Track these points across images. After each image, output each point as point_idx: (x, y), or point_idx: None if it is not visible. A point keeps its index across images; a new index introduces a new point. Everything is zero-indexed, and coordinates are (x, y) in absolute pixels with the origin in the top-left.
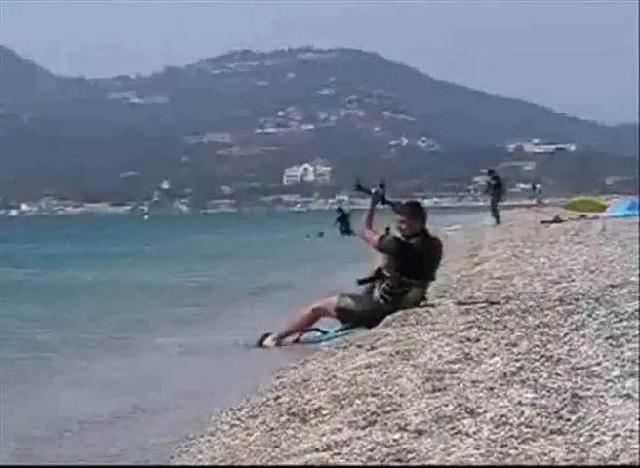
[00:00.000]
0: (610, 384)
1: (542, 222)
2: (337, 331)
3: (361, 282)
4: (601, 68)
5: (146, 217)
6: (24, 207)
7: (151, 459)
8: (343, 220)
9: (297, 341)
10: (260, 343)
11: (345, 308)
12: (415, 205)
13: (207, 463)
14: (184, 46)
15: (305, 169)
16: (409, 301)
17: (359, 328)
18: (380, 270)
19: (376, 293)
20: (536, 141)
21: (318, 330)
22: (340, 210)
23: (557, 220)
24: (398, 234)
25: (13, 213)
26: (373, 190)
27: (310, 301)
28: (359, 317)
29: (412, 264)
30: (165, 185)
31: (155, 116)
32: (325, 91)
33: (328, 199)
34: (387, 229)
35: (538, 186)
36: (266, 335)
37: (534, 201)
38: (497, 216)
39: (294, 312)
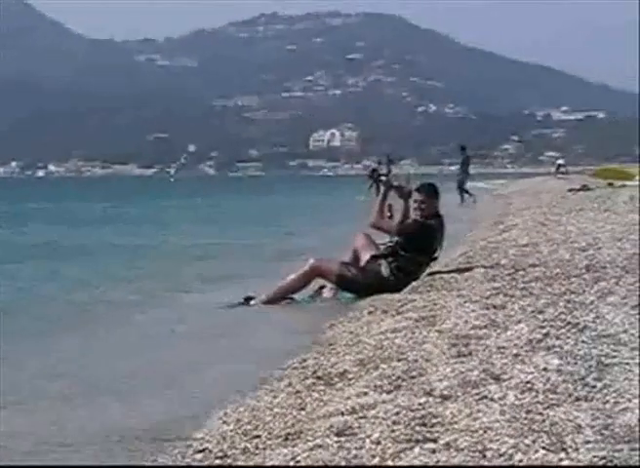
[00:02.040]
0: (636, 352)
1: (569, 190)
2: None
3: (373, 257)
4: (631, 37)
5: (172, 180)
6: (52, 167)
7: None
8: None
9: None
10: (247, 301)
11: (347, 277)
12: (433, 186)
13: (232, 425)
14: (212, 9)
15: (332, 134)
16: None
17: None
18: (392, 246)
19: (384, 270)
20: (564, 109)
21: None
22: (374, 171)
23: (584, 188)
24: (414, 215)
25: (40, 173)
26: (384, 179)
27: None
28: (360, 288)
29: (430, 244)
30: (192, 148)
31: (183, 79)
32: (353, 55)
33: (354, 164)
34: (390, 207)
35: (560, 162)
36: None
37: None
38: (463, 195)
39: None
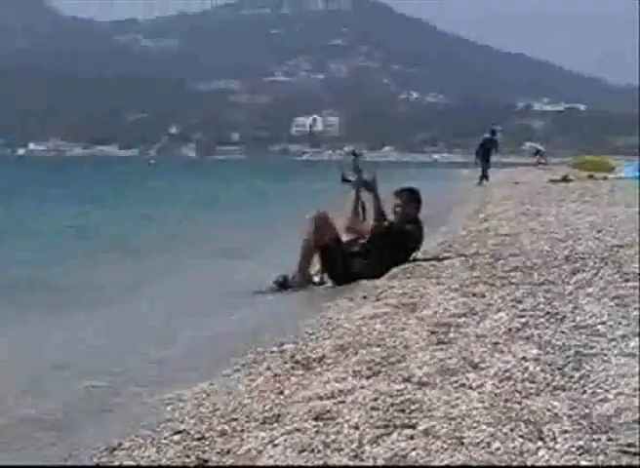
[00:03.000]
0: (614, 343)
1: (551, 181)
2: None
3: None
4: (614, 28)
5: (152, 162)
6: (32, 146)
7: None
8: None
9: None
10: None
11: (335, 257)
12: (412, 190)
13: (210, 407)
14: None
15: (314, 119)
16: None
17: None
18: (365, 246)
19: (355, 267)
20: (545, 100)
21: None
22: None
23: (565, 179)
24: (391, 217)
25: (21, 152)
26: (353, 178)
27: None
28: (338, 274)
29: (403, 251)
30: (173, 130)
31: (165, 60)
32: (336, 41)
33: (336, 150)
34: (363, 206)
35: (538, 147)
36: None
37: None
38: (483, 178)
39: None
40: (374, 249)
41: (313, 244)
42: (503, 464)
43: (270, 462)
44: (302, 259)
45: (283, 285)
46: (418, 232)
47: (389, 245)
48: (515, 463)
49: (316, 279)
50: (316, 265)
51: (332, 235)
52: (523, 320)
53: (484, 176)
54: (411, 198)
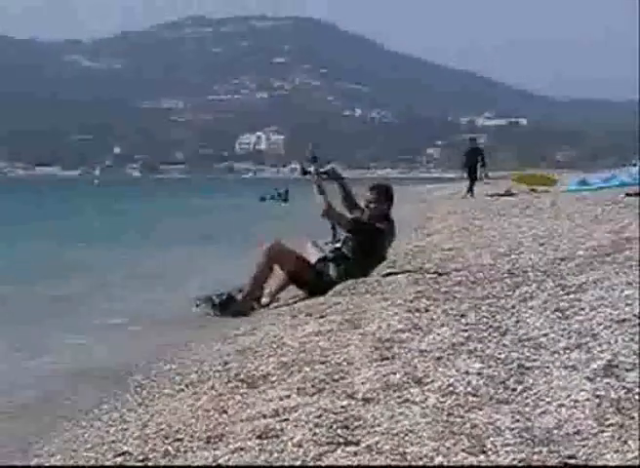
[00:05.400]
0: (556, 355)
1: (492, 195)
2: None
3: (320, 260)
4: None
5: (96, 182)
6: None
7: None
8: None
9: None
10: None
11: (301, 273)
12: (385, 187)
13: (153, 428)
14: (140, 10)
15: (258, 137)
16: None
17: None
18: (339, 249)
19: (332, 272)
20: (487, 115)
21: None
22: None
23: (507, 193)
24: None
25: None
26: (309, 169)
27: None
28: (310, 287)
29: (379, 249)
30: (117, 150)
31: (108, 80)
32: (279, 59)
33: (280, 167)
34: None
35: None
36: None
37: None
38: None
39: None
40: (348, 251)
41: (264, 276)
42: None
43: None
44: (250, 289)
45: (225, 305)
46: (390, 230)
47: (365, 245)
48: None
49: (264, 300)
50: (267, 288)
51: (291, 261)
52: (466, 334)
53: (470, 190)
54: (385, 195)
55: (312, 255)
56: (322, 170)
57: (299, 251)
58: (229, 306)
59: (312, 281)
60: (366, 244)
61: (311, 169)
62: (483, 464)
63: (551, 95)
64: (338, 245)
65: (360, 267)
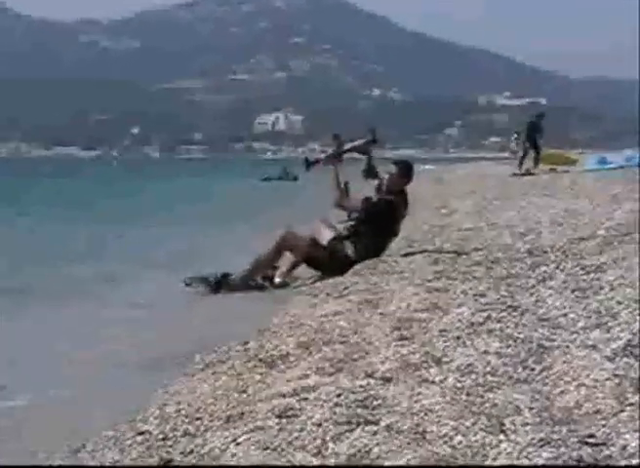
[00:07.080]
0: (575, 335)
1: (514, 175)
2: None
3: (333, 239)
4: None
5: (115, 163)
6: None
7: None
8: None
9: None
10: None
11: (315, 255)
12: (408, 164)
13: (173, 407)
14: None
15: (277, 117)
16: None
17: None
18: (355, 228)
19: (349, 250)
20: (507, 94)
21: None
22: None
23: (528, 173)
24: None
25: None
26: (326, 153)
27: None
28: (326, 268)
29: (393, 223)
30: (135, 130)
31: (127, 60)
32: (297, 39)
33: (299, 148)
34: (346, 184)
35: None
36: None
37: (507, 153)
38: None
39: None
40: (363, 228)
41: (267, 260)
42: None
43: (233, 461)
44: (250, 269)
45: (218, 285)
46: (404, 204)
47: (380, 220)
48: (478, 457)
49: (278, 280)
50: (281, 267)
51: (303, 249)
52: (485, 314)
53: (521, 164)
54: (405, 170)
55: (326, 235)
56: (344, 148)
57: (311, 233)
58: (224, 285)
59: (325, 261)
60: (382, 220)
61: (322, 156)
62: (503, 444)
63: (566, 73)
64: (352, 222)
65: (376, 243)
